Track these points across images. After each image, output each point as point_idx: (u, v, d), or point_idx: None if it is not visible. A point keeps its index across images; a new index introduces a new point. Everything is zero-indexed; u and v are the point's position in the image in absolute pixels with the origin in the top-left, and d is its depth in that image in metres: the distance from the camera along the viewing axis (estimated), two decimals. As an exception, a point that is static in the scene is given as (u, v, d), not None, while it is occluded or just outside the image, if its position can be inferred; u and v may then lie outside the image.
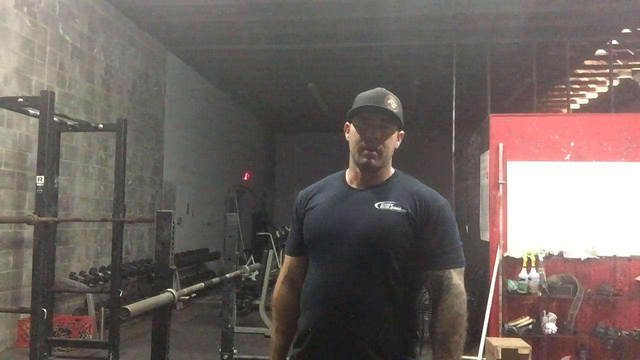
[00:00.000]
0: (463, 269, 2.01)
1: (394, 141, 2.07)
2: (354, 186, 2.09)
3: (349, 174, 2.13)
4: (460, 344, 1.92)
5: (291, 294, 2.17)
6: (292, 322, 2.14)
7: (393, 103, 2.03)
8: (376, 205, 2.00)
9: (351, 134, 2.08)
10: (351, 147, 2.07)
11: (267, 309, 6.91)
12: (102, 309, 6.69)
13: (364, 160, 2.02)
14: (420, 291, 2.07)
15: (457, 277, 1.97)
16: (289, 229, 2.27)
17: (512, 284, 5.82)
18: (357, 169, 2.07)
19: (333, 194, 2.10)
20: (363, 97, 2.07)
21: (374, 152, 2.01)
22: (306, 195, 2.18)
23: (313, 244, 2.08)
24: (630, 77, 11.04)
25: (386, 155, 2.04)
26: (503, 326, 5.75)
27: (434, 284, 1.97)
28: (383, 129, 2.02)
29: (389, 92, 2.07)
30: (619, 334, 5.69)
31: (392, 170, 2.12)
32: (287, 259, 2.23)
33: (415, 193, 2.03)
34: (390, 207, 1.99)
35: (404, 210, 1.98)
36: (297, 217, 2.18)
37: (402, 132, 2.11)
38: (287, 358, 2.18)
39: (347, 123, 2.11)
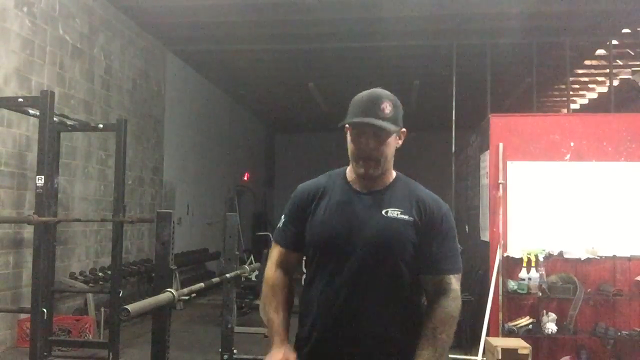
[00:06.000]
0: (460, 275, 2.04)
1: (392, 145, 2.02)
2: (357, 188, 2.06)
3: (350, 174, 2.09)
4: (446, 343, 1.94)
5: (287, 277, 2.15)
6: (290, 297, 2.12)
7: (387, 107, 1.95)
8: (383, 212, 1.99)
9: (348, 141, 2.04)
10: (349, 154, 2.05)
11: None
12: (102, 309, 6.69)
13: (362, 170, 2.00)
14: (422, 294, 2.08)
15: (455, 283, 2.01)
16: (283, 220, 2.16)
17: (512, 284, 5.81)
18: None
19: (338, 199, 2.05)
20: (356, 104, 2.00)
21: (371, 162, 1.98)
22: (308, 193, 2.11)
23: (318, 249, 2.05)
24: (630, 77, 11.04)
25: (384, 162, 2.01)
26: (503, 326, 5.74)
27: (434, 288, 2.00)
28: (377, 137, 1.96)
29: (384, 93, 1.99)
30: (619, 334, 5.69)
31: (394, 174, 2.10)
32: (280, 250, 2.14)
33: (420, 199, 2.04)
34: (397, 214, 1.99)
35: (411, 219, 1.99)
36: (297, 212, 2.10)
37: (403, 130, 2.05)
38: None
39: (346, 125, 2.06)
